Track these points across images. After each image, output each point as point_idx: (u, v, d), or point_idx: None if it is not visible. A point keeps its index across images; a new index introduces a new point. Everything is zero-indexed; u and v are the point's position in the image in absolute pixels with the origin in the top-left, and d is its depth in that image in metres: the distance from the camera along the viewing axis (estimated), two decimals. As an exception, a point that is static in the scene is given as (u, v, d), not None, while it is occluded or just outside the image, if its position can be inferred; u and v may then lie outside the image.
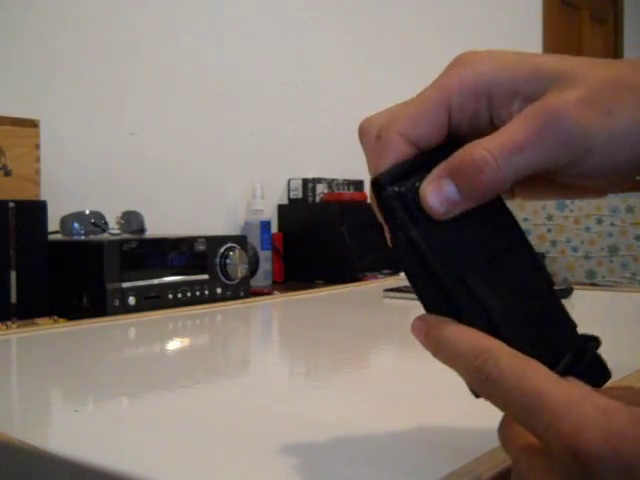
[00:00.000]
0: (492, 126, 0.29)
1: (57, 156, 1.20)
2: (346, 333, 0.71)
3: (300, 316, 0.87)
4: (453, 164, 0.27)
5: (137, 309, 0.93)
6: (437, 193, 0.27)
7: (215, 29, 1.52)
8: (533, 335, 0.28)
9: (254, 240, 1.41)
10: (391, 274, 1.33)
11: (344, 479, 0.30)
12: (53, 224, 1.02)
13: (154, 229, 1.20)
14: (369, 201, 0.30)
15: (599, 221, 1.77)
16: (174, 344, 0.70)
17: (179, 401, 0.44)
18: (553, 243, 1.83)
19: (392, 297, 0.94)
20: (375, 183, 0.28)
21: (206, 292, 1.04)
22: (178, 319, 0.82)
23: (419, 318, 0.28)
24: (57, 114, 1.23)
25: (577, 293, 0.94)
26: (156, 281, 0.98)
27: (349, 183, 1.67)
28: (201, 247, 1.05)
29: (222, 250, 1.07)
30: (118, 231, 1.12)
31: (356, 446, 0.34)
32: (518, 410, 0.24)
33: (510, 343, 0.26)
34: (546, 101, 0.27)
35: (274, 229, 1.56)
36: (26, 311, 0.87)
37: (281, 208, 1.62)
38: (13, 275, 0.88)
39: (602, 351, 0.29)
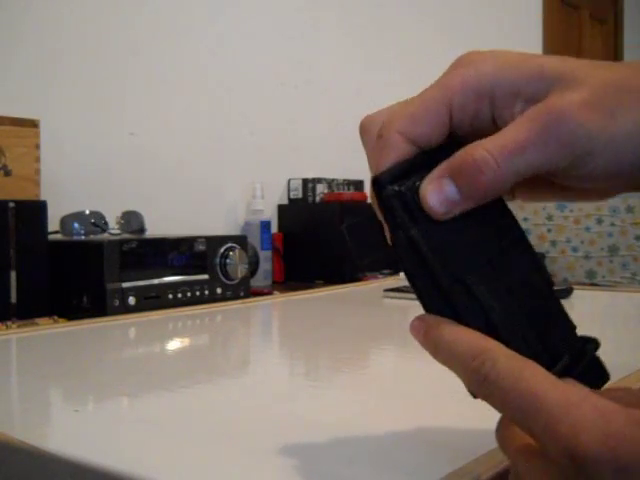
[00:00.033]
0: (494, 126, 0.29)
1: (57, 156, 1.20)
2: (346, 333, 0.71)
3: (300, 316, 0.87)
4: (454, 164, 0.27)
5: (137, 309, 0.93)
6: (437, 193, 0.27)
7: (215, 29, 1.52)
8: (532, 336, 0.28)
9: (254, 240, 1.41)
10: (391, 274, 1.33)
11: (344, 479, 0.30)
12: (53, 224, 1.02)
13: (154, 229, 1.20)
14: (369, 200, 0.30)
15: (599, 221, 1.77)
16: (174, 344, 0.70)
17: (179, 401, 0.44)
18: (553, 243, 1.83)
19: (392, 297, 0.94)
20: (375, 182, 0.28)
21: (206, 292, 1.04)
22: (178, 319, 0.82)
23: (418, 318, 0.28)
24: (57, 114, 1.23)
25: (577, 293, 0.94)
26: (156, 281, 0.98)
27: (349, 183, 1.67)
28: (201, 247, 1.05)
29: (222, 250, 1.07)
30: (118, 231, 1.12)
31: (356, 446, 0.34)
32: (515, 411, 0.24)
33: (508, 344, 0.26)
34: (549, 102, 0.27)
35: (274, 229, 1.56)
36: (26, 311, 0.87)
37: (281, 208, 1.62)
38: (13, 275, 0.88)
39: (602, 351, 0.29)
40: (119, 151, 1.34)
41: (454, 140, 0.29)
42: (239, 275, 1.08)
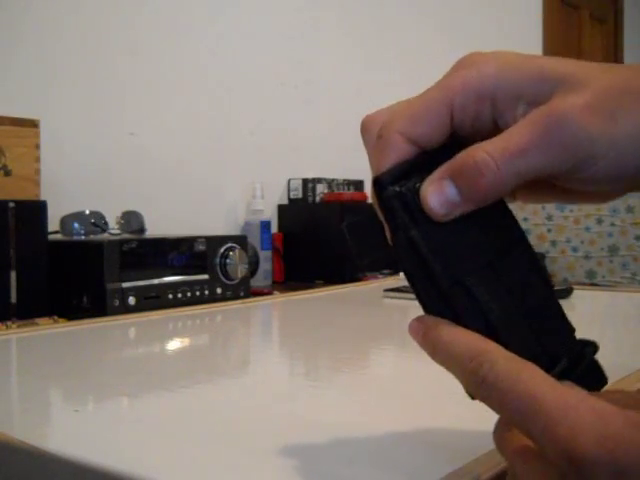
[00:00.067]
0: (495, 128, 0.28)
1: (57, 156, 1.20)
2: (346, 333, 0.71)
3: (300, 316, 0.87)
4: (455, 165, 0.27)
5: (137, 309, 0.93)
6: (438, 194, 0.27)
7: (215, 29, 1.52)
8: (531, 338, 0.28)
9: (254, 240, 1.41)
10: (391, 274, 1.33)
11: (344, 479, 0.30)
12: (53, 224, 1.02)
13: (154, 229, 1.20)
14: (370, 200, 0.30)
15: (599, 221, 1.77)
16: (174, 344, 0.70)
17: (179, 401, 0.44)
18: (553, 243, 1.83)
19: (392, 297, 0.94)
20: (376, 182, 0.28)
21: (206, 292, 1.04)
22: (178, 319, 0.82)
23: (417, 319, 0.28)
24: (57, 114, 1.23)
25: (577, 293, 0.94)
26: (156, 281, 0.98)
27: (349, 183, 1.67)
28: (201, 247, 1.05)
29: (222, 250, 1.07)
30: (118, 231, 1.12)
31: (356, 446, 0.34)
32: (513, 413, 0.24)
33: (507, 345, 0.26)
34: (551, 105, 0.27)
35: (274, 229, 1.56)
36: (26, 311, 0.87)
37: (281, 208, 1.62)
38: (13, 275, 0.88)
39: (601, 351, 0.29)
40: (119, 151, 1.34)
41: (455, 141, 0.29)
42: (239, 275, 1.08)
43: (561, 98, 0.27)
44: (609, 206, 1.76)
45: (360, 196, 1.60)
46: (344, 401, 0.44)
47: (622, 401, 0.24)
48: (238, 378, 0.55)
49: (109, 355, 0.64)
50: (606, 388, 0.29)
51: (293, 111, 1.71)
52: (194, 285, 1.02)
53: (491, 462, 0.30)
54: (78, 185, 1.26)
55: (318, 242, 1.51)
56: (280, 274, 1.51)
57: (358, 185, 1.69)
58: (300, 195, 1.60)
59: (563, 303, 0.29)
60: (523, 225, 1.77)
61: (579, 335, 0.29)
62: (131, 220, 1.14)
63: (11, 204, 0.88)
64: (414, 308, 0.29)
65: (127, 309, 0.92)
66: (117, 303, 0.92)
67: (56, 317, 0.86)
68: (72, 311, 0.92)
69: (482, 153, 0.27)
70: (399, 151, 0.28)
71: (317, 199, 1.59)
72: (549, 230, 1.84)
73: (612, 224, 1.76)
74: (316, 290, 1.07)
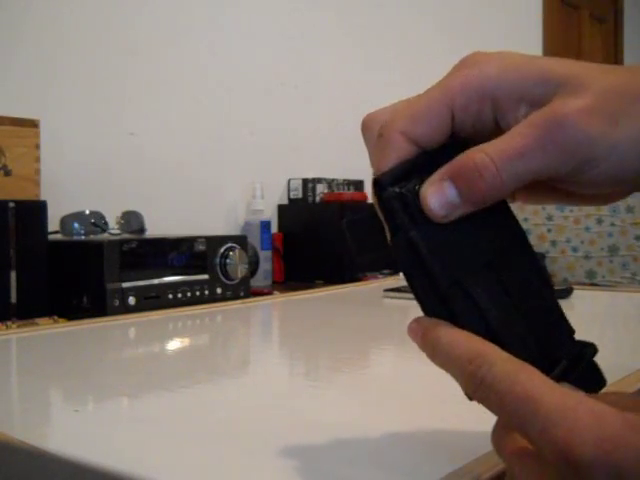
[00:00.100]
0: (497, 128, 0.28)
1: (57, 156, 1.20)
2: (346, 333, 0.71)
3: (300, 316, 0.87)
4: (455, 167, 0.27)
5: (137, 309, 0.93)
6: (438, 195, 0.27)
7: (215, 29, 1.52)
8: (530, 339, 0.28)
9: (254, 240, 1.41)
10: (391, 274, 1.33)
11: (344, 479, 0.30)
12: (53, 224, 1.02)
13: (154, 229, 1.20)
14: (370, 200, 0.30)
15: (599, 221, 1.77)
16: (174, 344, 0.70)
17: (179, 401, 0.44)
18: (553, 243, 1.83)
19: (392, 297, 0.94)
20: (376, 183, 0.28)
21: (206, 292, 1.04)
22: (178, 319, 0.82)
23: (415, 320, 0.28)
24: (57, 114, 1.23)
25: (577, 293, 0.94)
26: (156, 281, 0.98)
27: (349, 183, 1.67)
28: (201, 247, 1.05)
29: (222, 250, 1.07)
30: (118, 231, 1.12)
31: (356, 446, 0.34)
32: (511, 415, 0.24)
33: (505, 347, 0.26)
34: (551, 108, 0.27)
35: (274, 229, 1.56)
36: (26, 311, 0.87)
37: (281, 208, 1.62)
38: (13, 275, 0.88)
39: (601, 351, 0.29)
40: (119, 151, 1.34)
41: (456, 141, 0.29)
42: (239, 275, 1.08)
43: (562, 100, 0.27)
44: (609, 206, 1.76)
45: (360, 196, 1.60)
46: (344, 401, 0.44)
47: (620, 403, 0.24)
48: (238, 378, 0.55)
49: (109, 355, 0.64)
50: (606, 389, 0.29)
51: (293, 111, 1.71)
52: (194, 285, 1.02)
53: (491, 462, 0.30)
54: (78, 185, 1.26)
55: (318, 242, 1.51)
56: (280, 274, 1.51)
57: (358, 185, 1.69)
58: (300, 195, 1.60)
59: (563, 303, 0.29)
60: (523, 225, 1.77)
61: (579, 335, 0.29)
62: (131, 220, 1.14)
63: (11, 204, 0.88)
64: (414, 308, 0.29)
65: (127, 309, 0.92)
66: (117, 303, 0.92)
67: (56, 317, 0.86)
68: (72, 311, 0.92)
69: (482, 155, 0.27)
70: (399, 150, 0.28)
71: (317, 199, 1.59)
72: (549, 230, 1.84)
73: (612, 224, 1.76)
74: (316, 290, 1.07)
